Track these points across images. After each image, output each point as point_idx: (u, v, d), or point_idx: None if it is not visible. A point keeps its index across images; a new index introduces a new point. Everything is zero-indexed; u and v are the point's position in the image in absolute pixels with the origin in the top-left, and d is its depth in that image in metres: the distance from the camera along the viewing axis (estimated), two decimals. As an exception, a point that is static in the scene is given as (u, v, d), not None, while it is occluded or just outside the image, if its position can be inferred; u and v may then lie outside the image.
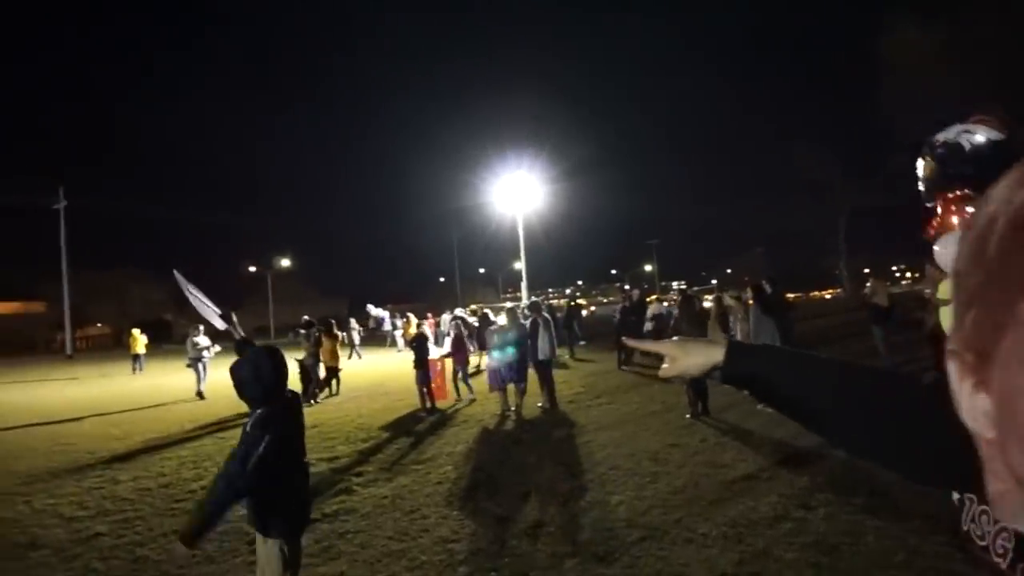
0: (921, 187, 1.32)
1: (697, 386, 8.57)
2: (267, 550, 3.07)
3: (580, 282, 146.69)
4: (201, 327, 13.61)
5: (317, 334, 12.71)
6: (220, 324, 3.75)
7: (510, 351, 9.65)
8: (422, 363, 10.39)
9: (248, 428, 2.94)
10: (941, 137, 1.26)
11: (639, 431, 8.10)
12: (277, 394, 3.11)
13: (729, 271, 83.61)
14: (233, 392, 3.12)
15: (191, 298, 3.66)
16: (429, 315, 24.96)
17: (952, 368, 0.63)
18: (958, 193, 1.20)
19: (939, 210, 1.26)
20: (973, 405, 0.62)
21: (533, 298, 13.65)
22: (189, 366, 14.15)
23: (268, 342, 4.35)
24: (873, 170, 41.38)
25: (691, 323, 9.24)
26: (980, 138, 1.17)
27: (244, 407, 3.10)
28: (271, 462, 2.86)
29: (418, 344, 10.69)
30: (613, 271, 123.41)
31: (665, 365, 1.17)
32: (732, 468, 6.20)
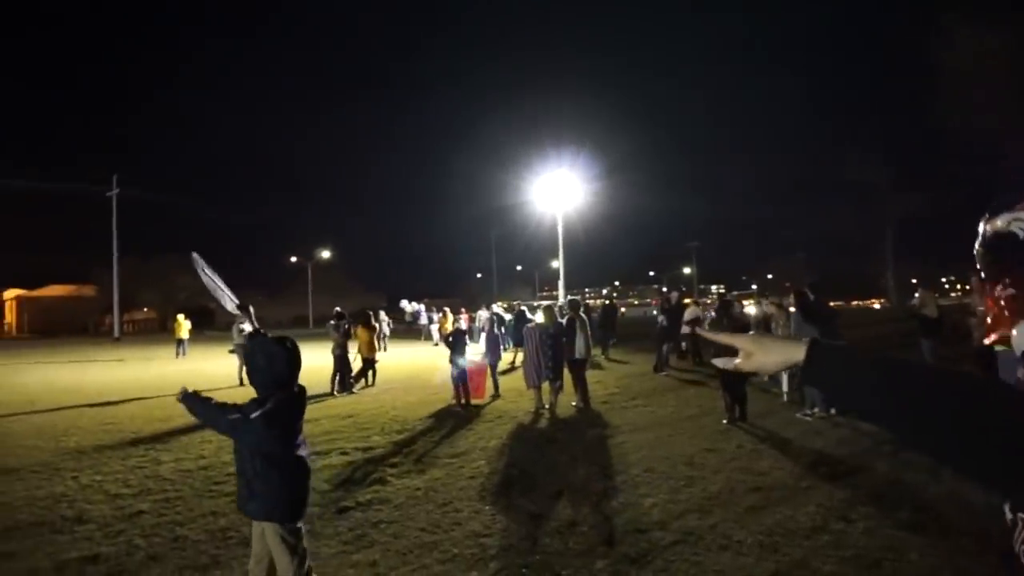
0: (979, 267, 1.27)
1: (735, 392, 8.44)
2: (268, 537, 3.13)
3: (617, 282, 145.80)
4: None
5: (347, 326, 12.82)
6: (232, 309, 3.78)
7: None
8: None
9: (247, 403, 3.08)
10: (989, 228, 1.20)
11: (674, 434, 8.00)
12: (286, 384, 3.16)
13: (770, 276, 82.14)
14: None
15: (204, 278, 3.73)
16: (463, 310, 25.04)
17: None
18: (1008, 282, 1.15)
19: (994, 300, 1.21)
20: None
21: (571, 296, 13.55)
22: (232, 352, 14.44)
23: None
24: (925, 178, 40.17)
25: (728, 328, 9.07)
26: None
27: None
28: (249, 433, 3.01)
29: (455, 340, 10.74)
30: (651, 272, 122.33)
31: (737, 360, 1.15)
32: (769, 476, 6.08)
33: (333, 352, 12.47)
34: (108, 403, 11.60)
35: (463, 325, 20.99)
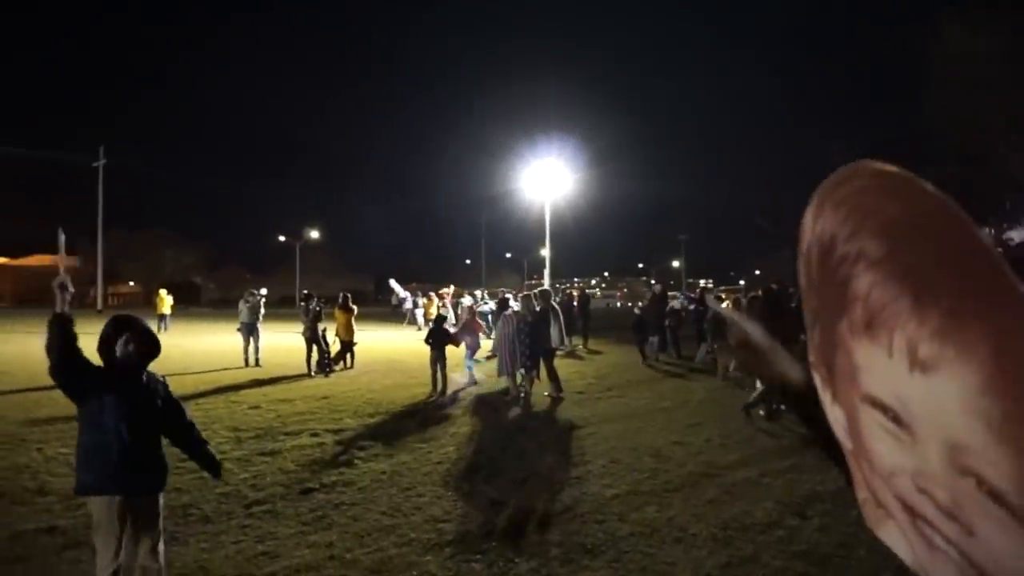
0: None
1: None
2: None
3: (606, 273, 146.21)
4: (264, 290, 13.62)
5: (317, 308, 12.69)
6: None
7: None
8: (439, 344, 10.42)
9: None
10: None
11: (645, 426, 8.07)
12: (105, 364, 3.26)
13: (758, 272, 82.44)
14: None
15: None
16: (444, 291, 24.74)
17: (816, 381, 0.63)
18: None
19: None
20: (833, 417, 0.62)
21: (542, 288, 13.60)
22: (239, 330, 13.87)
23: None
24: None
25: (771, 320, 8.50)
26: None
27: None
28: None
29: (436, 326, 10.75)
30: (640, 264, 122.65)
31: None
32: (732, 471, 6.15)
33: (303, 335, 12.42)
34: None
35: (448, 307, 21.00)
